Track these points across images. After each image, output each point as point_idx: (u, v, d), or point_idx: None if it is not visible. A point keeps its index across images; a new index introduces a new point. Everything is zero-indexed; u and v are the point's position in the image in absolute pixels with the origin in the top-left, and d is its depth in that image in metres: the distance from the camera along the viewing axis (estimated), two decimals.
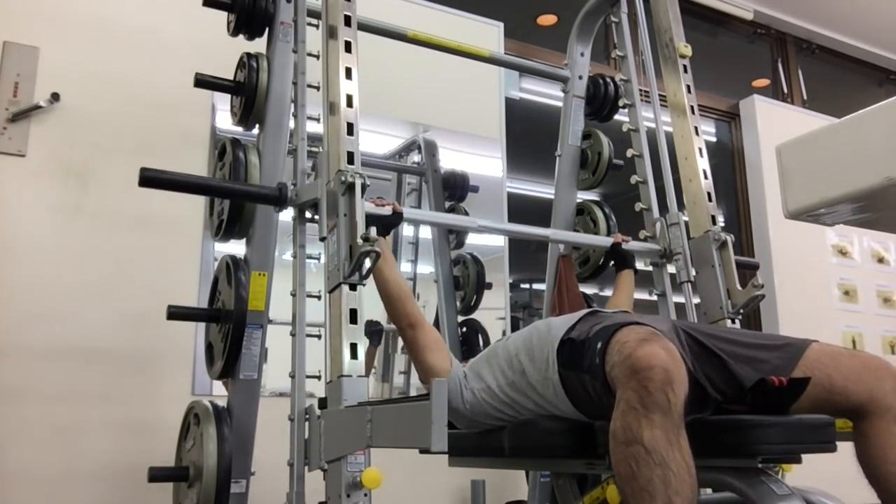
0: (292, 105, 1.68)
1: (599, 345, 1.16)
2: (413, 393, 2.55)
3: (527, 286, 3.56)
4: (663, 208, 2.06)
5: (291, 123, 1.68)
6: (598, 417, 1.24)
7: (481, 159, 2.90)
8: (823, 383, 1.24)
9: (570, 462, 1.33)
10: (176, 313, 1.65)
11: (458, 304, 2.62)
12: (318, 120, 1.57)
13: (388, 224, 1.64)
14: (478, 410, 1.45)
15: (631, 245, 1.98)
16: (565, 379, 1.27)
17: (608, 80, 2.37)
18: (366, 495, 1.22)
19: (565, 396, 1.27)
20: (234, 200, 1.65)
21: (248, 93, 1.75)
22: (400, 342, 2.63)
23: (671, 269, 2.03)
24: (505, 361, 1.42)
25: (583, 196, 2.37)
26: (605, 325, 1.20)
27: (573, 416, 1.28)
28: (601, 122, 2.41)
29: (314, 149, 1.58)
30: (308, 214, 1.56)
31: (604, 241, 2.03)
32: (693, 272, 1.93)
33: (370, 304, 1.51)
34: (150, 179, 1.44)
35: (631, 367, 1.05)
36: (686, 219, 1.97)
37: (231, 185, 1.62)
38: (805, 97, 4.26)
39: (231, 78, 1.84)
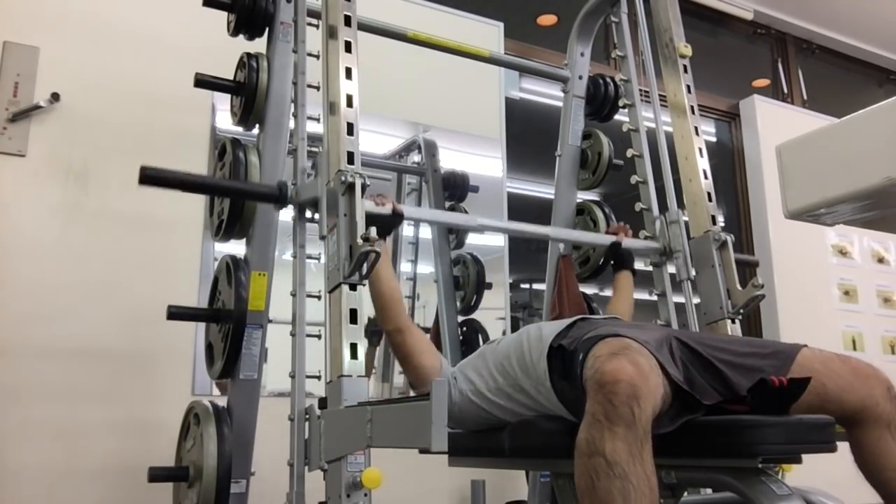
0: (292, 105, 1.68)
1: (581, 356, 1.18)
2: (413, 393, 2.54)
3: (527, 286, 3.56)
4: (663, 208, 2.06)
5: (291, 123, 1.68)
6: None
7: (481, 159, 2.90)
8: (818, 391, 1.25)
9: (571, 462, 1.33)
10: (176, 313, 1.65)
11: (458, 304, 2.62)
12: (318, 120, 1.56)
13: (387, 224, 1.61)
14: (466, 411, 1.46)
15: (630, 243, 1.98)
16: (556, 385, 1.28)
17: (608, 80, 2.37)
18: (366, 495, 1.22)
19: (559, 402, 1.28)
20: (234, 199, 1.65)
21: (248, 93, 1.75)
22: None
23: (671, 268, 2.03)
24: (495, 366, 1.42)
25: (583, 196, 2.37)
26: (589, 337, 1.22)
27: (570, 417, 1.29)
28: (601, 122, 2.41)
29: (314, 149, 1.57)
30: (308, 213, 1.55)
31: (603, 239, 2.03)
32: (693, 271, 1.93)
33: (370, 304, 1.51)
34: (151, 178, 1.43)
35: (598, 382, 1.07)
36: (686, 218, 1.97)
37: (231, 184, 1.62)
38: (805, 97, 4.26)
39: (231, 78, 1.84)
